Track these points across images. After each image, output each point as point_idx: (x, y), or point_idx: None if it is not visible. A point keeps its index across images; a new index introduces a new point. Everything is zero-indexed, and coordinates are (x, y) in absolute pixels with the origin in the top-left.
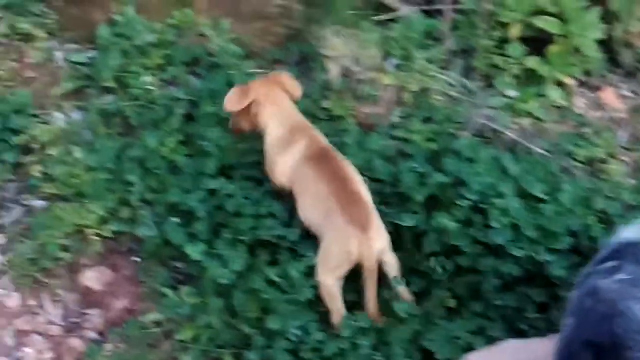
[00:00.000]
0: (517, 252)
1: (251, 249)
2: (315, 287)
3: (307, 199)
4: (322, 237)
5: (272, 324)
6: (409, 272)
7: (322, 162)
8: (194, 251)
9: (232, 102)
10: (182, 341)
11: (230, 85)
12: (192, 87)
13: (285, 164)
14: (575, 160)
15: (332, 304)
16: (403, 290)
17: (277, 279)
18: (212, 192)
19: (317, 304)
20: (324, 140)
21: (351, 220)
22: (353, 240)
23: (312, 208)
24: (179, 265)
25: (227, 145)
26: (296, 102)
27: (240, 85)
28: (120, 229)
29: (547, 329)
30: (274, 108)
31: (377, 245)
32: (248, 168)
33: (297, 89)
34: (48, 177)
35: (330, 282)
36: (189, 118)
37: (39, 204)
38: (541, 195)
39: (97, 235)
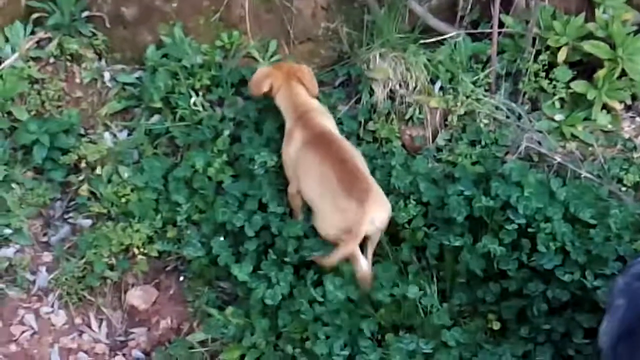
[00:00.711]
0: (565, 276)
1: (296, 270)
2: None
3: (309, 181)
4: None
5: (318, 348)
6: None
7: (321, 146)
8: (241, 272)
9: (253, 86)
10: None
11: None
12: (238, 108)
13: (289, 154)
14: (623, 184)
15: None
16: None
17: (322, 299)
18: (258, 213)
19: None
20: (323, 124)
21: (350, 194)
22: (349, 212)
23: (314, 187)
24: (224, 285)
25: (272, 168)
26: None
27: (262, 70)
28: (166, 249)
29: (594, 354)
30: (287, 97)
31: (375, 217)
32: None
33: (314, 85)
34: (95, 196)
35: (329, 238)
36: (235, 139)
37: (85, 222)
38: (590, 220)
39: (143, 254)
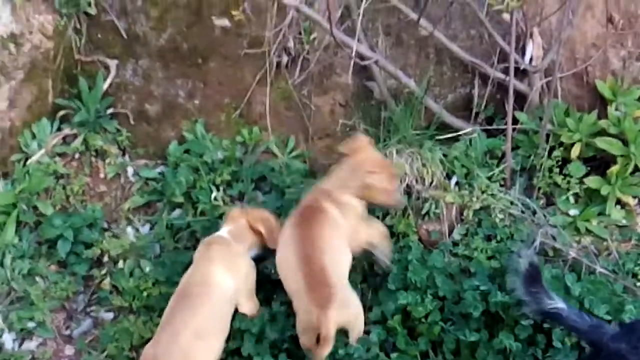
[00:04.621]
0: None
1: None
2: None
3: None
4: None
5: None
6: None
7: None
8: None
9: None
10: None
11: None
12: (258, 203)
13: None
14: (638, 279)
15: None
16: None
17: None
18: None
19: None
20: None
21: (313, 299)
22: (313, 316)
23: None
24: None
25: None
26: None
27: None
28: None
29: None
30: None
31: (336, 319)
32: None
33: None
34: (117, 290)
35: (302, 341)
36: None
37: (107, 315)
38: (605, 316)
39: None
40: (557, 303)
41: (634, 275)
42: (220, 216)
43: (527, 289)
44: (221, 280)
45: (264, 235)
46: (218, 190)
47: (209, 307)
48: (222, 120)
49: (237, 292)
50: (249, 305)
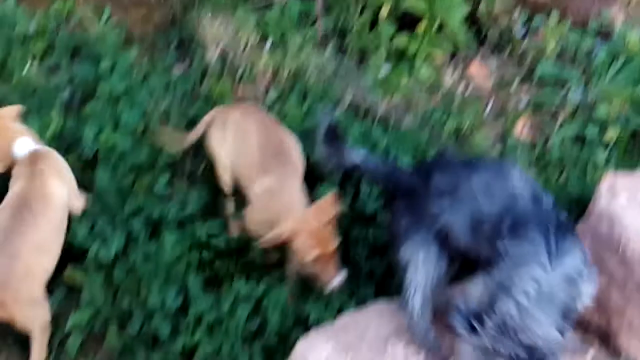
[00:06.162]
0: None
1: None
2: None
3: None
4: None
5: (152, 298)
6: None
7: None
8: (77, 232)
9: None
10: None
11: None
12: (74, 74)
13: None
14: (444, 131)
15: None
16: None
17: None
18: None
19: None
20: None
21: None
22: None
23: None
24: None
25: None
26: None
27: None
28: None
29: None
30: None
31: None
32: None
33: None
34: None
35: None
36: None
37: None
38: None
39: None
40: (355, 154)
41: (440, 128)
42: (35, 90)
43: (327, 143)
44: (57, 192)
45: None
46: (32, 62)
47: (51, 221)
48: None
49: (69, 197)
50: (79, 203)
